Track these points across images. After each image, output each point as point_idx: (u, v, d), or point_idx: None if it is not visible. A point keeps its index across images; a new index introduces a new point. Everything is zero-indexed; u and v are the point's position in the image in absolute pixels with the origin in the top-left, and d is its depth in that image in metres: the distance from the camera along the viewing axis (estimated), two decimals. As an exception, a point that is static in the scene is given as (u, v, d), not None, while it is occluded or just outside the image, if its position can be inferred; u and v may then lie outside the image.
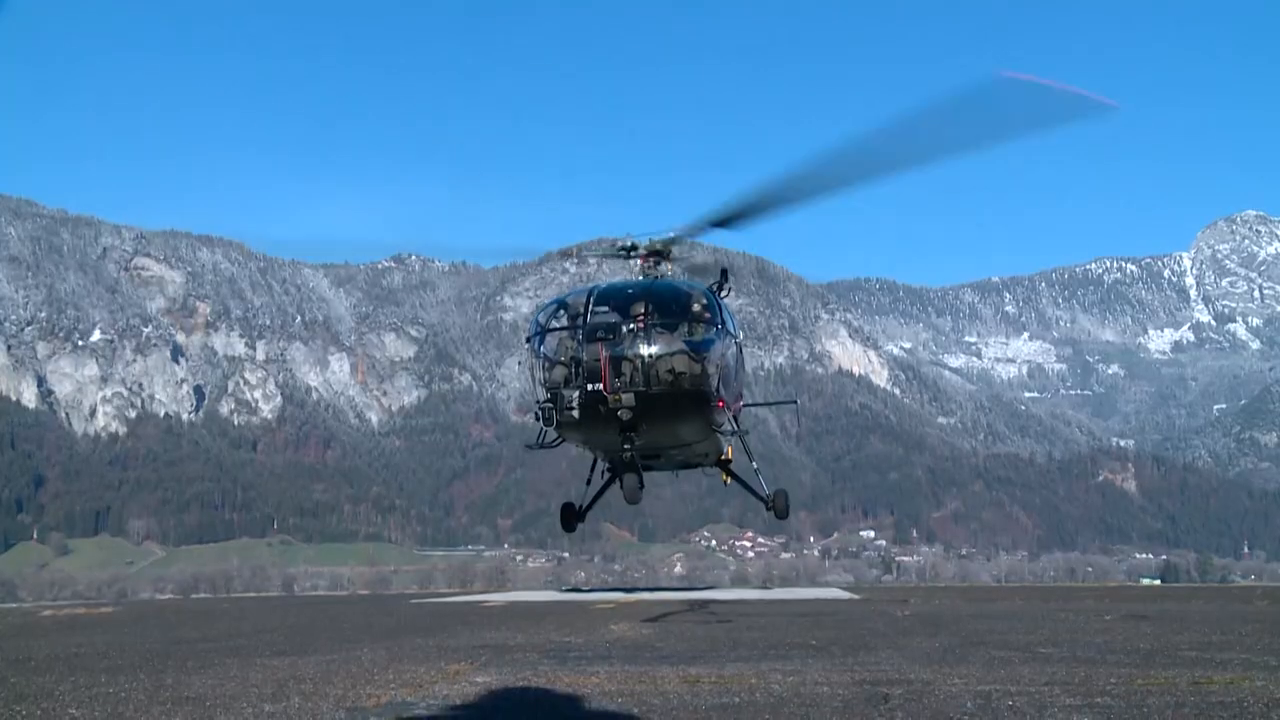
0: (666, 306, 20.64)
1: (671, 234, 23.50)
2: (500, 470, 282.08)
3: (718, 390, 20.98)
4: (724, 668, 9.62)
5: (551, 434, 22.59)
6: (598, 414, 19.68)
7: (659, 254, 23.67)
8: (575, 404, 19.52)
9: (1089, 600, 23.67)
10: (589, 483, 27.94)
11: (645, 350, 19.88)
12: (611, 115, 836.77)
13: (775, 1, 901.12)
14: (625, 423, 19.88)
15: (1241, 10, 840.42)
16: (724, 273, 21.51)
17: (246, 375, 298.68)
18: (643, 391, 19.60)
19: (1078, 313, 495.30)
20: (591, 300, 20.82)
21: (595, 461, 27.41)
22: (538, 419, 21.03)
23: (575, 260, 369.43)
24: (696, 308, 20.78)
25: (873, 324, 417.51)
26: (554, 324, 21.04)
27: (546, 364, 20.68)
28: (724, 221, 21.45)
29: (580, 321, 20.48)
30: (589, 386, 19.54)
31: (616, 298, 20.86)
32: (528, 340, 21.75)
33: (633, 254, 23.92)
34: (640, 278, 23.60)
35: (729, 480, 27.78)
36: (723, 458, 26.38)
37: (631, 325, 20.13)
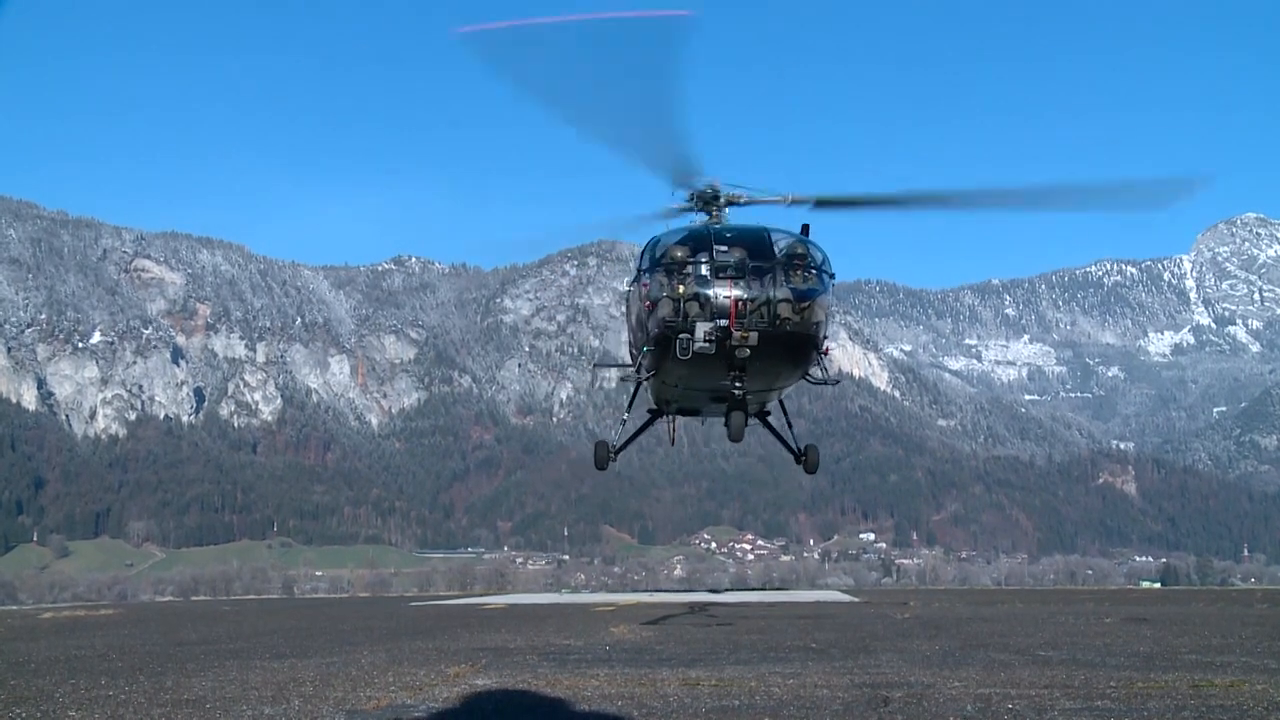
0: (789, 251, 20.87)
1: (747, 193, 23.88)
2: (500, 473, 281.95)
3: (824, 337, 21.24)
4: (723, 670, 9.62)
5: (633, 371, 23.17)
6: (720, 351, 19.90)
7: (732, 201, 24.11)
8: (706, 338, 19.67)
9: (1089, 603, 23.67)
10: (625, 422, 28.15)
11: (771, 292, 20.16)
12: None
13: (776, 3, 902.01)
14: (740, 361, 20.15)
15: (1241, 11, 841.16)
16: (805, 228, 21.76)
17: (246, 377, 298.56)
18: (766, 332, 19.91)
19: (1078, 315, 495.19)
20: (714, 239, 20.94)
21: (633, 401, 27.84)
22: (656, 350, 21.18)
23: (576, 265, 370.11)
24: (815, 255, 21.11)
25: (873, 326, 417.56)
26: (675, 259, 20.92)
27: (668, 297, 20.64)
28: (815, 203, 22.76)
29: (706, 259, 20.59)
30: (719, 322, 19.67)
31: (739, 239, 21.03)
32: (642, 272, 21.79)
33: (710, 206, 24.12)
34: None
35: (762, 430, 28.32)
36: (766, 410, 26.95)
37: (756, 266, 20.36)
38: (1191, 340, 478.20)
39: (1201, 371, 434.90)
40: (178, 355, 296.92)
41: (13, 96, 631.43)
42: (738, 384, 21.00)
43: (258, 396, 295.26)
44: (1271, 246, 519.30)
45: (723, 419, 25.81)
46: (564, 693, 8.14)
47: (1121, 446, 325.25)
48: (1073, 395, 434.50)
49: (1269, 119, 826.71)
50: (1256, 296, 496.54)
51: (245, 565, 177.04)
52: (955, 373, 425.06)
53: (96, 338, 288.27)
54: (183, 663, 11.32)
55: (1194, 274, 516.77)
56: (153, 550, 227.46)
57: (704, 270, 20.50)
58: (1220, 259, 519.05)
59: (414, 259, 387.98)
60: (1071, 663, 9.95)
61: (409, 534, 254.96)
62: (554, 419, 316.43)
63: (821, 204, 22.91)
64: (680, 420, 28.42)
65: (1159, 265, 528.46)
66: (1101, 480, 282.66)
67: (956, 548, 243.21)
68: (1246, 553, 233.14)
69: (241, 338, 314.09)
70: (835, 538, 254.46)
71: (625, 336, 30.52)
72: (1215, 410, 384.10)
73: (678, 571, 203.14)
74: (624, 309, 24.15)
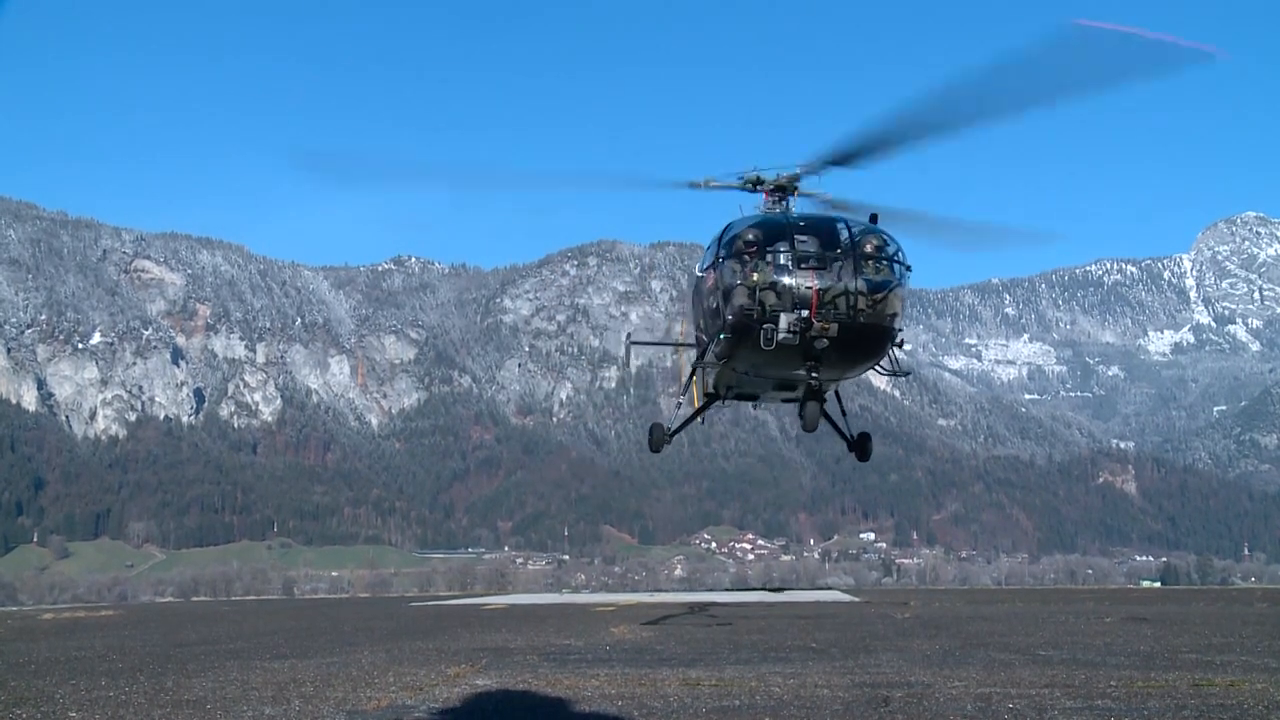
0: (867, 241, 20.69)
1: (797, 169, 23.86)
2: (500, 473, 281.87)
3: (899, 329, 21.30)
4: (724, 670, 9.62)
5: (694, 355, 23.18)
6: (799, 341, 19.84)
7: (783, 189, 23.98)
8: (790, 329, 19.62)
9: (1089, 602, 23.67)
10: (679, 406, 28.21)
11: (850, 283, 20.00)
12: (613, 116, 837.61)
13: (779, 4, 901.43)
14: (819, 352, 20.13)
15: (1241, 11, 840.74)
16: (874, 217, 21.77)
17: (246, 378, 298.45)
18: (846, 323, 19.81)
19: (1078, 314, 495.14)
20: (793, 228, 20.85)
21: (688, 386, 27.92)
22: (732, 337, 21.00)
23: (576, 265, 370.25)
24: (892, 246, 20.90)
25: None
26: (753, 247, 20.79)
27: (747, 285, 20.51)
28: (843, 159, 22.25)
29: (786, 248, 20.48)
30: (800, 313, 19.69)
31: (817, 228, 20.93)
32: (719, 259, 21.60)
33: (758, 188, 24.00)
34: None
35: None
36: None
37: (836, 256, 20.32)
38: (1191, 339, 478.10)
39: (1201, 370, 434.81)
40: (178, 356, 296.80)
41: (13, 96, 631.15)
42: (814, 374, 21.04)
43: (258, 397, 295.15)
44: (1271, 245, 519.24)
45: (779, 404, 26.31)
46: (564, 693, 8.14)
47: (1121, 446, 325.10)
48: (1073, 394, 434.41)
49: (1269, 118, 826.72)
50: (1256, 295, 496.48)
51: (245, 566, 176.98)
52: (955, 372, 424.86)
53: (96, 338, 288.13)
54: (183, 663, 11.32)
55: (1194, 273, 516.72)
56: (153, 551, 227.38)
57: (784, 259, 20.35)
58: (1220, 258, 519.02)
59: (414, 259, 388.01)
60: (1072, 662, 9.96)
61: (409, 534, 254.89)
62: (554, 419, 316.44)
63: (842, 161, 22.42)
64: (681, 418, 28.81)
65: (1159, 264, 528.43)
66: (1102, 479, 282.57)
67: (957, 547, 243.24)
68: (1247, 552, 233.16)
69: (241, 338, 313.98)
70: (835, 537, 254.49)
71: (678, 327, 31.55)
72: (1215, 409, 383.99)
73: (678, 571, 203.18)
74: (692, 294, 24.26)
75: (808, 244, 20.47)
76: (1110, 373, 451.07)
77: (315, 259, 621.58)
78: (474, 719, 7.38)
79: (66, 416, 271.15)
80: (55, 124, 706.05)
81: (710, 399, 27.63)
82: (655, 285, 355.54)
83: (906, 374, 22.95)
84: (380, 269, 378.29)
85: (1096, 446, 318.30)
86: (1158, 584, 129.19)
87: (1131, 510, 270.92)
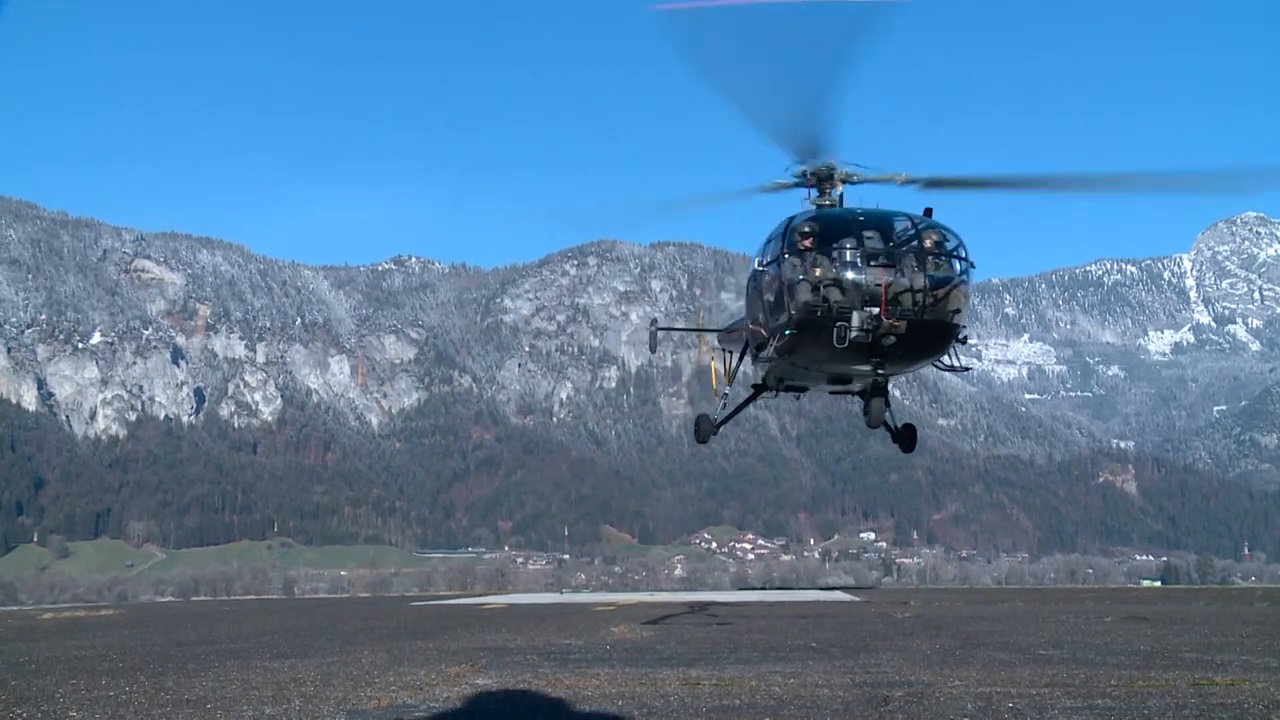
0: (933, 237, 20.66)
1: (889, 176, 23.88)
2: (500, 472, 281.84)
3: (963, 325, 21.27)
4: (724, 670, 9.62)
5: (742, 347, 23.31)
6: (870, 339, 19.82)
7: (829, 179, 23.79)
8: (862, 327, 19.56)
9: (1089, 602, 23.67)
10: (725, 397, 28.31)
11: (919, 279, 19.98)
12: (613, 116, 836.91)
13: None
14: (884, 349, 20.11)
15: (1241, 10, 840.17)
16: (928, 212, 21.74)
17: (246, 378, 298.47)
18: (914, 320, 19.77)
19: (1078, 314, 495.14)
20: (859, 223, 20.78)
21: (733, 377, 28.16)
22: (798, 333, 20.92)
23: (576, 265, 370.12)
24: (955, 241, 20.86)
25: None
26: (820, 242, 20.70)
27: (813, 282, 20.42)
28: (934, 184, 22.62)
29: (854, 243, 20.42)
30: (871, 310, 19.63)
31: (883, 223, 20.90)
32: (780, 255, 21.39)
33: (807, 179, 23.92)
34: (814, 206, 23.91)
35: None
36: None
37: (904, 252, 20.31)
38: (1191, 339, 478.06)
39: (1202, 370, 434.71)
40: (178, 355, 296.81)
41: (13, 96, 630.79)
42: (880, 370, 21.10)
43: (258, 397, 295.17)
44: (1271, 245, 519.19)
45: (828, 395, 26.84)
46: (564, 692, 8.14)
47: (1122, 445, 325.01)
48: (1073, 394, 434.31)
49: (1269, 118, 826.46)
50: (1256, 295, 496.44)
51: (245, 566, 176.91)
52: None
53: (96, 338, 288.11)
54: (183, 663, 11.33)
55: (1194, 273, 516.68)
56: (153, 551, 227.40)
57: (852, 255, 20.29)
58: (1220, 258, 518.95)
59: (414, 259, 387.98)
60: (1072, 661, 9.96)
61: (409, 534, 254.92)
62: (554, 419, 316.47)
63: (933, 184, 22.72)
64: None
65: (1159, 264, 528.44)
66: (1102, 479, 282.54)
67: (957, 547, 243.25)
68: (1247, 551, 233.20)
69: (241, 338, 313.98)
70: (835, 537, 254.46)
71: (723, 319, 32.13)
72: (1215, 409, 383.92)
73: (678, 571, 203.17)
74: (747, 287, 24.07)
75: (874, 240, 20.45)
76: (1110, 372, 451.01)
77: (315, 259, 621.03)
78: (474, 719, 7.38)
79: (66, 416, 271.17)
80: (55, 124, 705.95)
81: (759, 390, 27.67)
82: (655, 285, 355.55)
83: (966, 369, 22.94)
84: (380, 269, 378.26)
85: (1096, 446, 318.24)
86: (1158, 583, 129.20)
87: (1132, 510, 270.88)
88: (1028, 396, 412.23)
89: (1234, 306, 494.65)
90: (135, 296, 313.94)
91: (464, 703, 7.85)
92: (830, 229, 20.97)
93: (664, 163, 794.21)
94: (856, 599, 28.04)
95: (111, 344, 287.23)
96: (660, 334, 36.98)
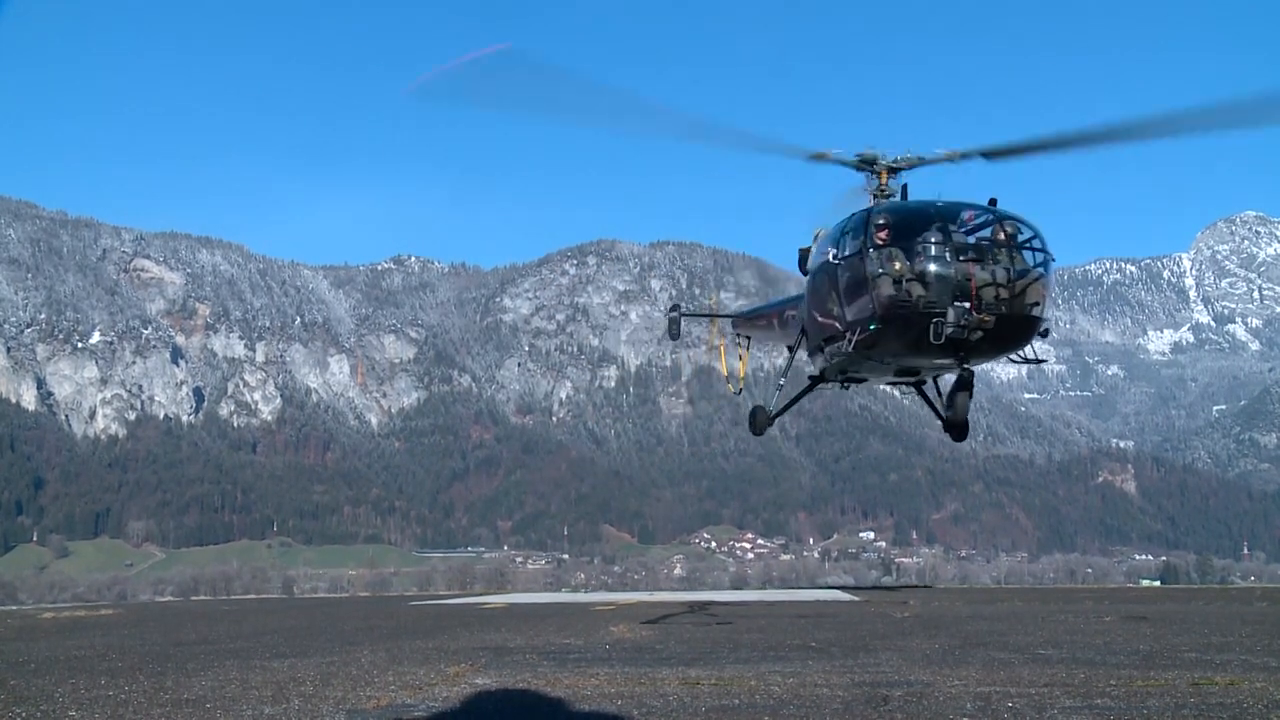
0: (1016, 230, 20.64)
1: (919, 155, 23.63)
2: (500, 472, 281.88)
3: (1046, 317, 21.33)
4: (724, 670, 9.62)
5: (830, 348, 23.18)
6: (962, 334, 19.80)
7: (897, 170, 23.73)
8: (958, 321, 19.55)
9: (1088, 601, 23.67)
10: (780, 388, 28.10)
11: (1006, 273, 20.00)
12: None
13: (782, 5, 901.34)
14: (971, 344, 20.14)
15: (1241, 10, 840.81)
16: (992, 201, 21.61)
17: (246, 377, 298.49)
18: (1003, 315, 19.84)
19: (1077, 314, 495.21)
20: (944, 216, 20.69)
21: (788, 368, 27.83)
22: (883, 327, 20.83)
23: (576, 264, 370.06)
24: (1037, 233, 20.84)
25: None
26: (906, 235, 20.58)
27: (896, 276, 20.31)
28: (991, 154, 22.38)
29: (941, 237, 20.31)
30: (962, 304, 19.62)
31: (964, 217, 20.85)
32: (863, 249, 21.14)
33: (873, 168, 23.88)
34: (872, 196, 23.78)
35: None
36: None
37: (991, 246, 20.26)
38: (1191, 339, 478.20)
39: (1201, 370, 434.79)
40: (177, 355, 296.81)
41: (13, 96, 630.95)
42: (965, 364, 21.21)
43: (257, 396, 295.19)
44: (1271, 245, 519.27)
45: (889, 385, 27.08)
46: (564, 692, 8.14)
47: (1121, 445, 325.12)
48: (1072, 394, 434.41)
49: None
50: (1256, 295, 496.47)
51: (245, 565, 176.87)
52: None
53: (96, 338, 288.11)
54: (183, 663, 11.33)
55: (1193, 272, 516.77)
56: (152, 550, 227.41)
57: (939, 249, 20.21)
58: (1220, 257, 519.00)
59: (413, 258, 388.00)
60: (1071, 661, 9.96)
61: (409, 534, 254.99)
62: (554, 418, 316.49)
63: (992, 155, 22.42)
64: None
65: (1158, 263, 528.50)
66: (1101, 479, 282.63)
67: (956, 546, 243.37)
68: (1246, 551, 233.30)
69: (241, 337, 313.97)
70: (835, 536, 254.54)
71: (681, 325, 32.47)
72: (1215, 408, 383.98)
73: (678, 571, 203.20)
74: (815, 280, 23.72)
75: (960, 233, 20.39)
76: (1110, 372, 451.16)
77: (315, 258, 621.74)
78: (474, 718, 7.38)
79: (66, 416, 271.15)
80: (54, 124, 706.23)
81: (816, 381, 27.58)
82: (655, 284, 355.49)
83: (1041, 361, 22.91)
84: (380, 268, 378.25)
85: (1096, 446, 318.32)
86: (1157, 583, 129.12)
87: (1131, 509, 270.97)
88: (1027, 396, 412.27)
89: (1233, 306, 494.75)
90: (135, 296, 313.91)
91: (463, 702, 7.86)
92: (914, 222, 20.80)
93: (664, 163, 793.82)
94: (856, 598, 28.05)
95: (111, 343, 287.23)
96: (683, 320, 35.95)
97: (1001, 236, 20.40)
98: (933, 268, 20.08)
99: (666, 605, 23.89)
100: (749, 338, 33.11)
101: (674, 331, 35.57)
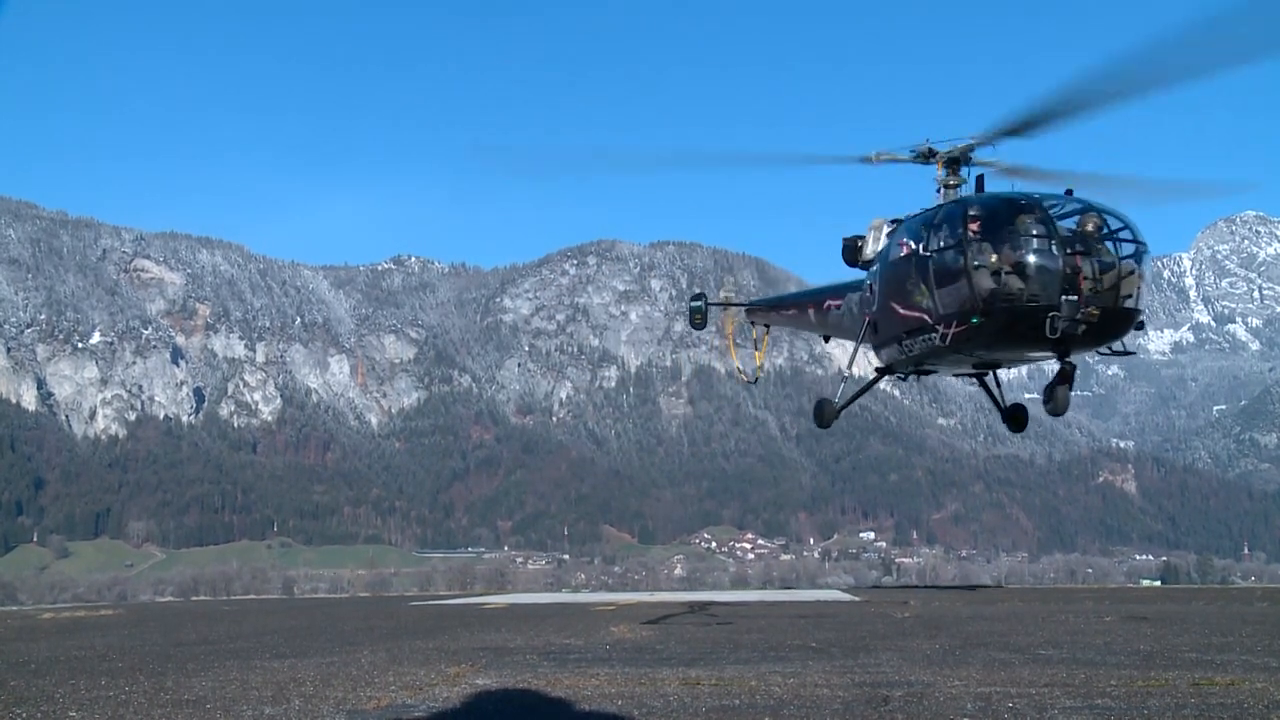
0: (1122, 225, 20.59)
1: (970, 140, 23.41)
2: (500, 472, 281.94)
3: (1143, 308, 21.31)
4: (724, 670, 9.62)
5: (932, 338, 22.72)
6: (1076, 328, 19.79)
7: (957, 161, 23.63)
8: (1075, 315, 19.56)
9: (1089, 602, 23.66)
10: (846, 380, 28.12)
11: (1110, 265, 20.02)
12: (613, 115, 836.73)
13: (784, 5, 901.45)
14: (1074, 337, 20.12)
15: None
16: (1069, 192, 21.50)
17: (246, 377, 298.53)
18: (1109, 309, 19.86)
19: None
20: (1045, 210, 20.51)
21: (852, 360, 27.73)
22: (988, 319, 20.62)
23: (576, 264, 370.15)
24: (1134, 226, 20.75)
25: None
26: (1009, 229, 20.43)
27: (999, 269, 20.17)
28: (1019, 129, 22.26)
29: (1046, 230, 20.19)
30: (1070, 298, 19.62)
31: (1069, 210, 20.70)
32: (963, 241, 20.92)
33: (930, 160, 23.94)
34: (940, 188, 23.79)
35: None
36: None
37: (1096, 239, 20.24)
38: (1191, 338, 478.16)
39: (1201, 370, 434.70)
40: (177, 355, 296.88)
41: (13, 96, 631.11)
42: (1066, 356, 21.33)
43: (257, 396, 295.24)
44: (1271, 244, 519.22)
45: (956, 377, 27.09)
46: (564, 692, 8.14)
47: (1121, 445, 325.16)
48: (1072, 394, 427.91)
49: (1269, 118, 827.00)
50: (1256, 294, 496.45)
51: (245, 565, 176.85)
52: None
53: (96, 338, 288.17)
54: (183, 663, 11.33)
55: (1194, 272, 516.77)
56: (153, 550, 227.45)
57: (1045, 242, 20.11)
58: (1220, 257, 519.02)
59: (414, 259, 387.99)
60: (1072, 661, 9.96)
61: (409, 534, 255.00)
62: (554, 418, 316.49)
63: (1015, 131, 22.38)
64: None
65: (1158, 263, 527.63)
66: (1101, 479, 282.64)
67: (957, 546, 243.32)
68: (1247, 551, 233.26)
69: (241, 338, 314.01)
70: (835, 537, 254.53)
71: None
72: (1215, 408, 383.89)
73: (678, 571, 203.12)
74: (905, 271, 23.18)
75: (1067, 226, 20.24)
76: (1110, 372, 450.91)
77: (315, 258, 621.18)
78: (474, 718, 7.38)
79: (66, 416, 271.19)
80: (55, 124, 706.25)
81: (884, 373, 27.28)
82: (655, 284, 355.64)
83: (1131, 353, 22.93)
84: (380, 268, 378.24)
85: (1096, 446, 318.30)
86: (1158, 583, 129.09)
87: (1131, 510, 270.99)
88: (1027, 396, 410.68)
89: (1234, 306, 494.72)
90: (135, 296, 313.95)
91: (464, 703, 7.86)
92: (1015, 214, 20.62)
93: (664, 163, 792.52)
94: (856, 599, 28.05)
95: (111, 344, 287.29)
96: (709, 309, 34.54)
97: (1102, 228, 20.34)
98: (1040, 260, 19.98)
99: (667, 605, 23.88)
100: (767, 326, 32.85)
101: (698, 321, 34.37)
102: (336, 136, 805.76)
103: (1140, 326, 21.07)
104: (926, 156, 24.02)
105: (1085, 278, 19.70)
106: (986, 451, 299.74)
